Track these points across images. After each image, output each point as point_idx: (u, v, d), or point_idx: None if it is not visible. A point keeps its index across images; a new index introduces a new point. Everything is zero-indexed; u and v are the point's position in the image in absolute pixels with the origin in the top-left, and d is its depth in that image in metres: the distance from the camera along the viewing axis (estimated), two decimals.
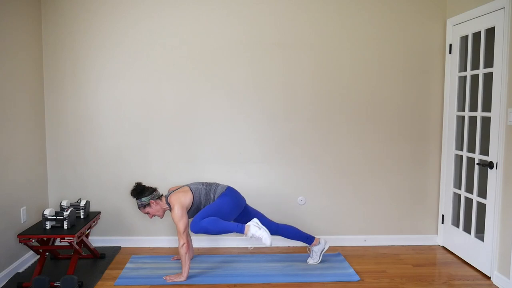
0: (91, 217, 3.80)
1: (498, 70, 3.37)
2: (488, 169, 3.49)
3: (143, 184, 3.60)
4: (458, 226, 4.07)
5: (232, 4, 4.09)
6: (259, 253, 4.05)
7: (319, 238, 3.82)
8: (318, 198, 4.28)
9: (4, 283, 3.38)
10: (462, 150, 4.01)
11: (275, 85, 4.16)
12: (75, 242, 3.37)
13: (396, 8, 4.16)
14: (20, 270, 3.64)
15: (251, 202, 4.23)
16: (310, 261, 3.80)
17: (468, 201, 4.06)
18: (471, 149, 4.08)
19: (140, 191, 3.52)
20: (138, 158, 4.19)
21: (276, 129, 4.20)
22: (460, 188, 4.04)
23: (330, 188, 4.27)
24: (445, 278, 3.51)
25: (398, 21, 4.17)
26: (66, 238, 3.31)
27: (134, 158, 4.18)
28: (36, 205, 3.96)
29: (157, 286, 3.34)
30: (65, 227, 3.47)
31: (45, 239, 3.50)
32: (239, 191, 4.22)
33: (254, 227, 3.28)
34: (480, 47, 3.66)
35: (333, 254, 4.01)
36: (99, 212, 3.96)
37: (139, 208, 3.56)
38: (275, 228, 3.73)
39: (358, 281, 3.44)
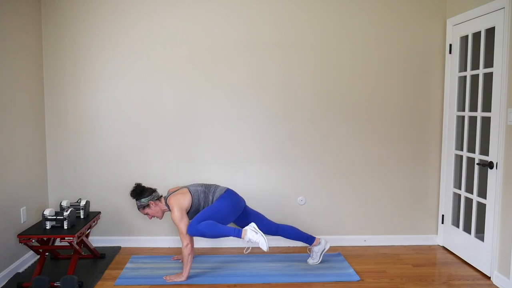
0: (91, 217, 3.80)
1: (498, 70, 3.37)
2: (488, 169, 3.49)
3: (142, 185, 3.60)
4: (458, 226, 4.07)
5: (232, 4, 4.09)
6: (259, 253, 4.05)
7: (319, 239, 3.82)
8: (318, 198, 4.28)
9: (4, 283, 3.38)
10: (462, 150, 4.01)
11: (275, 85, 4.16)
12: (75, 242, 3.37)
13: (396, 8, 4.16)
14: (20, 270, 3.64)
15: (251, 202, 4.24)
16: (310, 261, 3.80)
17: (468, 201, 4.06)
18: (471, 149, 4.08)
19: (140, 192, 3.52)
20: (138, 158, 4.19)
21: (276, 129, 4.20)
22: (460, 188, 4.04)
23: (330, 188, 4.27)
24: (445, 278, 3.51)
25: (398, 21, 4.17)
26: (66, 238, 3.31)
27: (134, 158, 4.18)
28: (36, 205, 3.96)
29: (157, 286, 3.34)
30: (65, 227, 3.47)
31: (45, 239, 3.50)
32: (239, 191, 4.22)
33: (251, 231, 3.26)
34: (480, 47, 3.66)
35: (333, 254, 4.01)
36: (99, 212, 3.96)
37: (138, 209, 3.57)
38: (275, 229, 3.73)
39: (358, 281, 3.44)
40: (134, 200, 3.86)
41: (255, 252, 4.07)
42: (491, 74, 3.82)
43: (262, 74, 4.15)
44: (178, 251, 4.13)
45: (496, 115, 3.40)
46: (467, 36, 3.90)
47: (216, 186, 3.65)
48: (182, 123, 4.17)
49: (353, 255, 4.03)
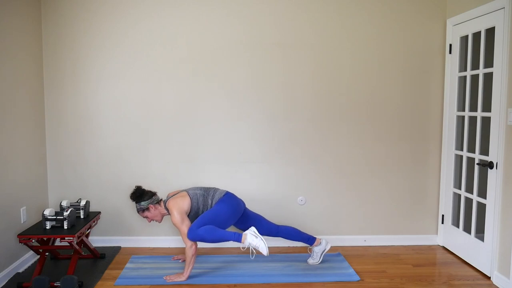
0: (91, 217, 3.80)
1: (498, 70, 3.37)
2: (488, 169, 3.49)
3: (142, 187, 3.59)
4: (458, 226, 4.07)
5: (232, 4, 4.09)
6: (259, 253, 4.05)
7: (320, 239, 3.82)
8: (318, 198, 4.28)
9: (4, 283, 3.38)
10: (462, 150, 4.01)
11: (275, 85, 4.16)
12: (75, 242, 3.37)
13: (396, 8, 4.16)
14: (20, 270, 3.64)
15: (251, 202, 4.24)
16: (311, 261, 3.80)
17: (468, 201, 4.06)
18: (471, 149, 4.08)
19: (140, 195, 3.52)
20: (138, 158, 4.19)
21: (276, 129, 4.20)
22: (460, 188, 4.04)
23: (330, 188, 4.27)
24: (445, 278, 3.51)
25: (398, 21, 4.17)
26: (66, 238, 3.31)
27: (134, 158, 4.18)
28: (36, 205, 3.96)
29: (157, 286, 3.34)
30: (65, 227, 3.47)
31: (45, 239, 3.50)
32: (239, 191, 4.22)
33: (251, 236, 3.26)
34: (480, 47, 3.66)
35: (333, 254, 4.01)
36: (99, 212, 3.96)
37: (137, 211, 3.57)
38: (275, 230, 3.73)
39: (358, 281, 3.44)
40: (134, 202, 3.85)
41: (256, 252, 4.06)
42: (491, 74, 3.82)
43: (262, 74, 4.15)
44: (178, 251, 4.13)
45: (496, 115, 3.40)
46: (467, 36, 3.90)
47: (215, 190, 3.64)
48: (182, 123, 4.17)
49: (353, 255, 4.03)
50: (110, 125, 4.15)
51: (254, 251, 3.33)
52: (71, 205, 3.78)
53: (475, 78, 4.04)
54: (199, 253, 4.04)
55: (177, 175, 4.21)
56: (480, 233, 3.88)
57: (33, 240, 3.34)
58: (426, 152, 4.29)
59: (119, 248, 4.20)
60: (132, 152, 4.18)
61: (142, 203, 3.51)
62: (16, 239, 3.59)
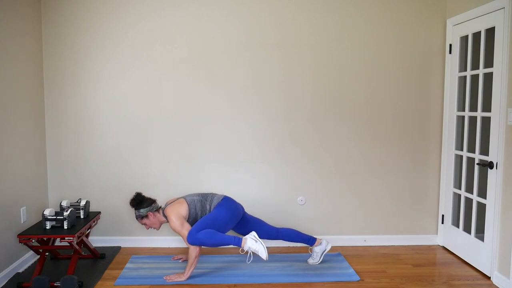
0: (91, 217, 3.80)
1: (498, 70, 3.37)
2: (488, 169, 3.49)
3: (142, 194, 3.59)
4: (458, 226, 4.07)
5: (232, 4, 4.09)
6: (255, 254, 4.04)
7: (321, 239, 3.82)
8: (318, 198, 4.28)
9: (4, 283, 3.38)
10: (462, 150, 4.01)
11: (275, 85, 4.16)
12: (75, 242, 3.37)
13: (396, 8, 4.16)
14: (20, 270, 3.64)
15: (250, 202, 4.24)
16: (311, 261, 3.80)
17: (468, 201, 4.06)
18: (471, 149, 4.08)
19: (139, 202, 3.52)
20: (138, 158, 4.19)
21: (276, 129, 4.20)
22: (460, 188, 4.04)
23: (330, 188, 4.27)
24: (445, 278, 3.51)
25: (398, 21, 4.17)
26: (66, 238, 3.31)
27: (134, 158, 4.18)
28: (36, 205, 3.96)
29: (157, 286, 3.34)
30: (65, 227, 3.47)
31: (45, 239, 3.50)
32: (239, 191, 4.22)
33: (251, 240, 3.26)
34: (480, 47, 3.66)
35: (333, 254, 4.01)
36: (99, 212, 3.96)
37: (136, 218, 3.58)
38: (275, 233, 3.73)
39: (358, 281, 3.44)
40: (133, 209, 3.83)
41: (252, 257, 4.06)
42: (491, 74, 3.82)
43: (262, 74, 4.15)
44: (178, 251, 4.13)
45: (496, 115, 3.40)
46: (467, 36, 3.90)
47: (213, 195, 3.65)
48: (182, 123, 4.17)
49: (353, 255, 4.03)
50: (110, 125, 4.15)
51: (252, 255, 3.32)
52: (71, 205, 3.78)
53: (475, 78, 4.04)
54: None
55: (177, 175, 4.21)
56: (480, 233, 3.88)
57: (33, 240, 3.34)
58: (426, 152, 4.29)
59: (119, 248, 4.20)
60: (132, 152, 4.18)
61: (141, 210, 3.51)
62: (16, 239, 3.59)
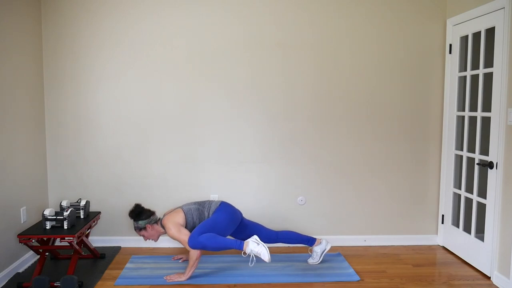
0: (91, 217, 3.80)
1: (498, 70, 3.37)
2: (488, 169, 3.49)
3: (141, 205, 3.59)
4: (458, 226, 4.07)
5: (232, 4, 4.09)
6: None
7: (320, 239, 3.82)
8: (318, 198, 4.28)
9: (4, 283, 3.38)
10: (462, 150, 4.01)
11: (275, 85, 4.16)
12: (75, 242, 3.37)
13: (396, 8, 4.16)
14: (20, 270, 3.64)
15: (250, 202, 4.24)
16: (311, 261, 3.80)
17: (468, 201, 4.06)
18: (471, 149, 4.08)
19: (138, 213, 3.53)
20: (138, 158, 4.19)
21: (276, 129, 4.20)
22: (460, 188, 4.04)
23: (330, 188, 4.27)
24: (445, 278, 3.51)
25: (398, 21, 4.17)
26: (66, 238, 3.31)
27: (134, 158, 4.18)
28: (36, 205, 3.96)
29: (157, 286, 3.34)
30: (65, 227, 3.47)
31: (45, 239, 3.50)
32: (238, 191, 4.23)
33: (253, 243, 3.26)
34: (480, 47, 3.66)
35: (333, 254, 4.01)
36: (99, 212, 3.96)
37: (134, 229, 3.59)
38: (275, 237, 3.74)
39: (358, 281, 3.44)
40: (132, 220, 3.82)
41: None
42: (491, 74, 3.82)
43: (262, 74, 4.15)
44: (178, 251, 4.13)
45: (496, 115, 3.40)
46: (467, 36, 3.90)
47: (210, 202, 3.66)
48: (182, 123, 4.17)
49: (353, 255, 4.03)
50: (110, 125, 4.15)
51: (255, 258, 3.33)
52: (71, 205, 3.78)
53: (475, 78, 4.03)
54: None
55: (177, 175, 4.21)
56: (480, 233, 3.88)
57: (33, 240, 3.34)
58: (426, 152, 4.29)
59: (119, 248, 4.20)
60: (132, 152, 4.18)
61: (140, 222, 3.52)
62: (16, 239, 3.59)
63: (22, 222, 3.70)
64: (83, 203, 3.77)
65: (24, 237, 3.31)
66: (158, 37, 4.09)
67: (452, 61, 4.08)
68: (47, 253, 3.52)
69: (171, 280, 3.39)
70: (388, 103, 4.23)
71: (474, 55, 3.86)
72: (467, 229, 3.99)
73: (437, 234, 4.35)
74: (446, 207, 4.20)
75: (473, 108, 4.08)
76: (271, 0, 4.11)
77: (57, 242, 4.10)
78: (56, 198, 4.21)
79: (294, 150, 4.22)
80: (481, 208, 3.98)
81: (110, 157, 4.18)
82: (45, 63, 4.09)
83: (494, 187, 3.42)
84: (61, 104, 4.13)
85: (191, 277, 3.45)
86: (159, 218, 3.63)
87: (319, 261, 3.79)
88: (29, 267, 3.74)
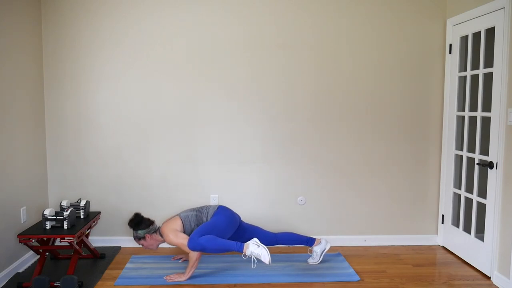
0: (91, 217, 3.80)
1: (498, 70, 3.37)
2: (488, 169, 3.49)
3: (141, 215, 3.59)
4: (458, 226, 4.07)
5: (232, 4, 4.09)
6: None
7: (320, 239, 3.82)
8: (318, 198, 4.28)
9: (4, 283, 3.38)
10: (462, 150, 4.01)
11: (275, 85, 4.16)
12: (75, 242, 3.37)
13: (396, 8, 4.16)
14: (20, 270, 3.64)
15: (250, 202, 4.24)
16: (311, 261, 3.80)
17: (468, 201, 4.06)
18: (471, 149, 4.08)
19: (137, 223, 3.52)
20: (138, 158, 4.19)
21: (276, 129, 4.20)
22: (460, 188, 4.04)
23: (330, 188, 4.27)
24: (445, 278, 3.51)
25: (398, 21, 4.17)
26: (66, 238, 3.31)
27: (134, 158, 4.18)
28: (36, 205, 3.96)
29: (157, 286, 3.34)
30: (65, 227, 3.47)
31: (45, 239, 3.50)
32: (238, 191, 4.23)
33: (253, 245, 3.26)
34: (480, 47, 3.66)
35: (333, 254, 4.01)
36: (99, 212, 3.96)
37: (134, 239, 3.58)
38: (274, 239, 3.74)
39: (358, 281, 3.44)
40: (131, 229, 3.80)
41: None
42: (491, 74, 3.82)
43: (262, 74, 4.15)
44: (178, 251, 4.13)
45: (496, 115, 3.40)
46: (467, 36, 3.90)
47: (208, 207, 3.67)
48: (182, 123, 4.17)
49: (353, 255, 4.03)
50: (110, 125, 4.15)
51: (256, 260, 3.33)
52: (71, 205, 3.78)
53: (475, 78, 4.04)
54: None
55: (177, 175, 4.21)
56: (480, 233, 3.88)
57: (33, 240, 3.34)
58: (426, 152, 4.29)
59: (119, 248, 4.20)
60: (132, 152, 4.18)
61: (139, 232, 3.52)
62: (16, 239, 3.59)
63: (22, 222, 3.70)
64: (83, 203, 3.77)
65: (24, 237, 3.31)
66: (158, 37, 4.09)
67: (452, 61, 4.08)
68: (47, 253, 3.52)
69: (171, 280, 3.39)
70: (388, 103, 4.23)
71: (474, 55, 3.86)
72: (467, 229, 3.99)
73: (437, 234, 4.35)
74: (446, 207, 4.20)
75: (473, 108, 4.08)
76: (271, 0, 4.11)
77: (57, 242, 4.10)
78: (56, 198, 4.21)
79: (294, 150, 4.22)
80: (481, 208, 3.98)
81: (110, 157, 4.18)
82: (45, 63, 4.09)
83: (494, 187, 3.42)
84: (61, 104, 4.13)
85: (191, 277, 3.45)
86: (158, 227, 3.63)
87: (319, 261, 3.79)
88: (29, 267, 3.74)
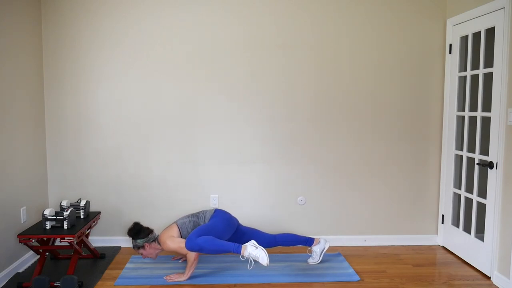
0: (91, 217, 3.80)
1: (498, 70, 3.37)
2: (488, 169, 3.49)
3: (140, 224, 3.58)
4: (458, 226, 4.07)
5: (232, 4, 4.09)
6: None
7: (318, 238, 3.82)
8: (318, 198, 4.28)
9: (4, 283, 3.38)
10: (462, 150, 4.01)
11: (275, 85, 4.16)
12: (75, 242, 3.37)
13: (396, 8, 4.16)
14: (20, 270, 3.64)
15: (250, 203, 4.24)
16: (311, 261, 3.80)
17: (468, 201, 4.06)
18: (471, 149, 4.08)
19: (137, 232, 3.52)
20: (138, 158, 4.19)
21: (276, 129, 4.20)
22: (460, 188, 4.04)
23: (330, 188, 4.27)
24: (445, 278, 3.51)
25: (398, 21, 4.17)
26: (66, 238, 3.31)
27: (134, 158, 4.18)
28: (36, 205, 3.96)
29: (157, 286, 3.34)
30: (65, 227, 3.47)
31: (45, 239, 3.50)
32: (239, 191, 4.23)
33: (251, 246, 3.26)
34: (480, 47, 3.66)
35: (333, 254, 4.01)
36: (99, 212, 3.96)
37: (133, 247, 3.58)
38: (273, 241, 3.74)
39: (358, 281, 3.44)
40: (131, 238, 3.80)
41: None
42: (491, 74, 3.82)
43: (262, 74, 4.15)
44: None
45: (496, 115, 3.40)
46: (467, 36, 3.90)
47: (205, 211, 3.68)
48: (182, 123, 4.17)
49: (353, 255, 4.03)
50: (110, 125, 4.15)
51: (253, 262, 3.33)
52: (71, 205, 3.78)
53: (475, 78, 4.04)
54: (200, 253, 4.03)
55: (177, 175, 4.21)
56: (480, 233, 3.88)
57: (33, 240, 3.34)
58: (426, 152, 4.29)
59: (119, 248, 4.20)
60: (132, 152, 4.18)
61: (138, 241, 3.52)
62: (16, 239, 3.59)
63: (22, 222, 3.70)
64: (83, 203, 3.77)
65: (24, 237, 3.31)
66: (158, 37, 4.09)
67: (452, 61, 4.08)
68: (47, 253, 3.52)
69: (171, 280, 3.39)
70: (388, 103, 4.23)
71: (474, 55, 3.86)
72: (467, 229, 3.99)
73: (437, 234, 4.35)
74: (446, 207, 4.20)
75: (473, 108, 4.08)
76: (271, 0, 4.11)
77: (57, 242, 4.10)
78: (56, 198, 4.21)
79: (294, 150, 4.22)
80: (481, 208, 3.98)
81: (110, 157, 4.18)
82: (45, 63, 4.09)
83: (494, 187, 3.42)
84: (61, 104, 4.13)
85: (191, 277, 3.45)
86: (157, 236, 3.63)
87: (319, 261, 3.79)
88: (29, 267, 3.74)
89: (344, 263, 3.79)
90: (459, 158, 4.07)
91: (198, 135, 4.18)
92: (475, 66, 3.91)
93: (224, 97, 4.16)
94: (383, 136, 4.25)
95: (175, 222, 3.63)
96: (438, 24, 4.18)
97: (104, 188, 4.21)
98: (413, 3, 4.16)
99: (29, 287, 3.26)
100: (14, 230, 3.59)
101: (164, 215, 4.23)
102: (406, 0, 4.15)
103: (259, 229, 4.14)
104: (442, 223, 4.26)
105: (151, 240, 3.55)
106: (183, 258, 3.88)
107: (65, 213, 3.46)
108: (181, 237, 3.54)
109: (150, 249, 3.55)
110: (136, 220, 4.24)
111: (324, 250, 3.79)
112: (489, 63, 3.64)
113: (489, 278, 3.52)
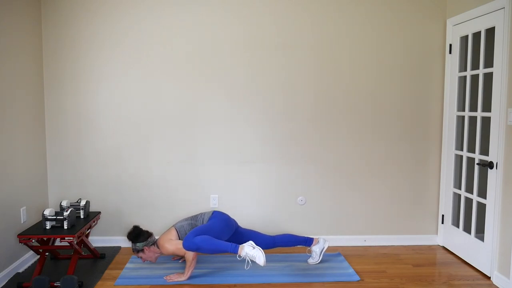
0: (91, 217, 3.80)
1: (498, 70, 3.37)
2: (488, 169, 3.49)
3: (139, 227, 3.59)
4: (458, 226, 4.07)
5: (232, 4, 4.09)
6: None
7: (317, 238, 3.82)
8: (318, 198, 4.28)
9: (4, 283, 3.38)
10: (462, 150, 4.01)
11: (275, 85, 4.16)
12: (75, 242, 3.37)
13: (396, 8, 4.16)
14: (20, 270, 3.64)
15: (250, 203, 4.24)
16: (311, 261, 3.80)
17: (468, 201, 4.06)
18: (471, 149, 4.08)
19: (136, 235, 3.52)
20: (138, 158, 4.19)
21: (276, 129, 4.20)
22: (460, 188, 4.04)
23: (330, 188, 4.27)
24: (445, 278, 3.51)
25: (398, 21, 4.17)
26: (66, 238, 3.31)
27: (134, 158, 4.19)
28: (36, 205, 3.96)
29: (157, 286, 3.34)
30: (65, 227, 3.47)
31: (45, 239, 3.50)
32: (238, 191, 4.23)
33: (248, 246, 3.26)
34: (480, 47, 3.66)
35: (333, 254, 4.01)
36: (99, 212, 3.96)
37: (132, 251, 3.58)
38: (272, 242, 3.74)
39: (358, 281, 3.44)
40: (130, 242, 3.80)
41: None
42: (491, 74, 3.82)
43: (262, 74, 4.15)
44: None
45: (496, 115, 3.40)
46: (467, 36, 3.90)
47: (203, 213, 3.69)
48: (182, 123, 4.17)
49: (353, 255, 4.03)
50: (110, 125, 4.15)
51: (250, 261, 3.34)
52: (71, 205, 3.78)
53: (475, 78, 4.04)
54: (198, 253, 4.03)
55: (177, 175, 4.21)
56: (480, 233, 3.88)
57: (33, 240, 3.34)
58: (426, 152, 4.29)
59: (119, 248, 4.20)
60: (132, 152, 4.18)
61: (138, 244, 3.52)
62: (16, 239, 3.60)
63: (22, 222, 3.70)
64: (83, 203, 3.77)
65: (24, 237, 3.31)
66: (158, 37, 4.09)
67: (452, 61, 4.08)
68: (47, 253, 3.52)
69: (171, 280, 3.39)
70: (388, 103, 4.23)
71: (474, 55, 3.86)
72: (467, 229, 3.99)
73: (437, 234, 4.35)
74: (446, 207, 4.20)
75: (473, 108, 4.08)
76: (271, 0, 4.11)
77: (57, 242, 4.10)
78: (56, 198, 4.21)
79: (294, 150, 4.22)
80: (481, 208, 3.98)
81: (110, 157, 4.18)
82: (45, 63, 4.09)
83: (494, 187, 3.42)
84: (61, 104, 4.13)
85: (191, 277, 3.45)
86: (156, 240, 3.63)
87: (319, 261, 3.79)
88: (29, 267, 3.75)
89: (344, 263, 3.79)
90: (459, 158, 4.08)
91: (198, 135, 4.18)
92: (475, 66, 3.91)
93: (224, 97, 4.16)
94: (383, 136, 4.25)
95: (174, 226, 3.63)
96: (438, 24, 4.18)
97: (104, 188, 4.21)
98: (413, 3, 4.16)
99: (29, 287, 3.26)
100: (14, 230, 3.59)
101: (164, 215, 4.24)
102: (406, 0, 4.15)
103: (258, 231, 4.14)
104: (442, 223, 4.26)
105: (151, 244, 3.55)
106: (183, 259, 3.88)
107: (65, 213, 3.46)
108: (179, 239, 3.54)
109: (150, 253, 3.55)
110: (136, 220, 4.24)
111: (324, 250, 3.79)
112: (489, 63, 3.64)
113: (489, 278, 3.52)
